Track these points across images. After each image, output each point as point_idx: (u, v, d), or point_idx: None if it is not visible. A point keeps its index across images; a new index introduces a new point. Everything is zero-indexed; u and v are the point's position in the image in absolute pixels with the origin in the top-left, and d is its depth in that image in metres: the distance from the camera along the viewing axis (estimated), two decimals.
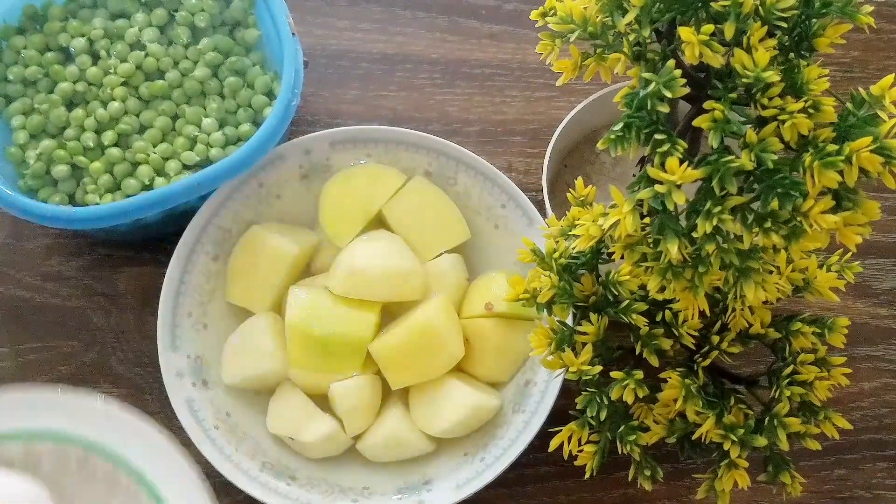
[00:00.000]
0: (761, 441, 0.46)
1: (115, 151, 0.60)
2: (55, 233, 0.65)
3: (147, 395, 0.61)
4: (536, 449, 0.53)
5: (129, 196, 0.59)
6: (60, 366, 0.62)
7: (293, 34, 0.59)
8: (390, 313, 0.59)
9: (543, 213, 0.59)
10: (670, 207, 0.38)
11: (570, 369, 0.46)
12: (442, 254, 0.60)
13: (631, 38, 0.40)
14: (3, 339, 0.62)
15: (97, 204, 0.59)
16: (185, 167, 0.61)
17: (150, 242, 0.64)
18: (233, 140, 0.61)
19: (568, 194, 0.51)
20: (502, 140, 0.68)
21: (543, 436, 0.51)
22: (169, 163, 0.60)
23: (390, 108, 0.69)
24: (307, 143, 0.60)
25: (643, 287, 0.44)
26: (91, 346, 0.62)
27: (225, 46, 0.63)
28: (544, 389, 0.55)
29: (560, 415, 0.51)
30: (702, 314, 0.44)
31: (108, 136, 0.61)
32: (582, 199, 0.50)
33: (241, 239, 0.60)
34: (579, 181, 0.51)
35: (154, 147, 0.61)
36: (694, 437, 0.48)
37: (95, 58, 0.63)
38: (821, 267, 0.49)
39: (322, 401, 0.57)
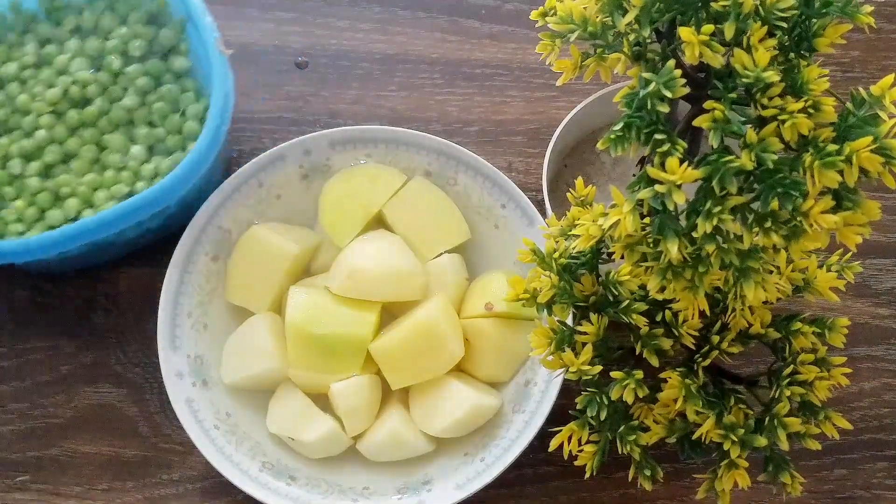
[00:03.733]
0: (761, 441, 0.46)
1: (35, 182, 0.58)
2: None
3: (147, 395, 0.61)
4: (536, 449, 0.53)
5: (52, 228, 0.57)
6: (60, 366, 0.62)
7: (223, 55, 0.58)
8: (390, 313, 0.59)
9: (543, 213, 0.59)
10: (670, 207, 0.38)
11: (570, 369, 0.46)
12: (442, 254, 0.60)
13: (631, 38, 0.40)
14: (3, 339, 0.63)
15: (20, 236, 0.57)
16: (113, 198, 0.59)
17: (149, 243, 0.64)
18: (163, 169, 0.59)
19: (568, 194, 0.51)
20: (502, 140, 0.68)
21: (543, 436, 0.51)
22: (97, 193, 0.59)
23: (390, 108, 0.69)
24: (307, 143, 0.60)
25: (643, 287, 0.44)
26: (91, 346, 0.62)
27: (156, 72, 0.61)
28: (544, 389, 0.55)
29: (560, 415, 0.51)
30: (702, 314, 0.44)
31: (34, 167, 0.59)
32: (582, 199, 0.50)
33: (241, 239, 0.60)
34: (579, 181, 0.51)
35: (81, 178, 0.59)
36: (694, 437, 0.48)
37: (23, 84, 0.61)
38: (821, 267, 0.49)
39: (322, 401, 0.57)
